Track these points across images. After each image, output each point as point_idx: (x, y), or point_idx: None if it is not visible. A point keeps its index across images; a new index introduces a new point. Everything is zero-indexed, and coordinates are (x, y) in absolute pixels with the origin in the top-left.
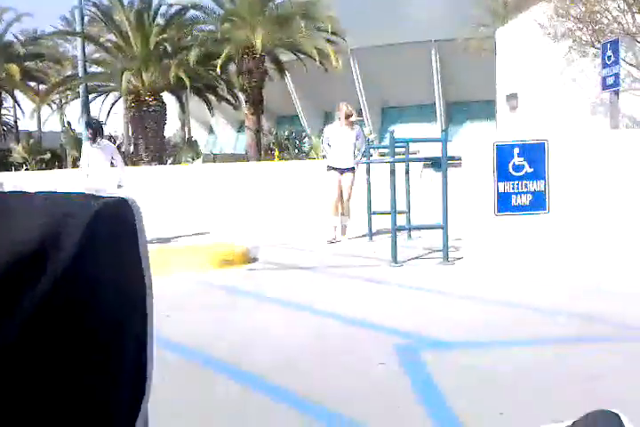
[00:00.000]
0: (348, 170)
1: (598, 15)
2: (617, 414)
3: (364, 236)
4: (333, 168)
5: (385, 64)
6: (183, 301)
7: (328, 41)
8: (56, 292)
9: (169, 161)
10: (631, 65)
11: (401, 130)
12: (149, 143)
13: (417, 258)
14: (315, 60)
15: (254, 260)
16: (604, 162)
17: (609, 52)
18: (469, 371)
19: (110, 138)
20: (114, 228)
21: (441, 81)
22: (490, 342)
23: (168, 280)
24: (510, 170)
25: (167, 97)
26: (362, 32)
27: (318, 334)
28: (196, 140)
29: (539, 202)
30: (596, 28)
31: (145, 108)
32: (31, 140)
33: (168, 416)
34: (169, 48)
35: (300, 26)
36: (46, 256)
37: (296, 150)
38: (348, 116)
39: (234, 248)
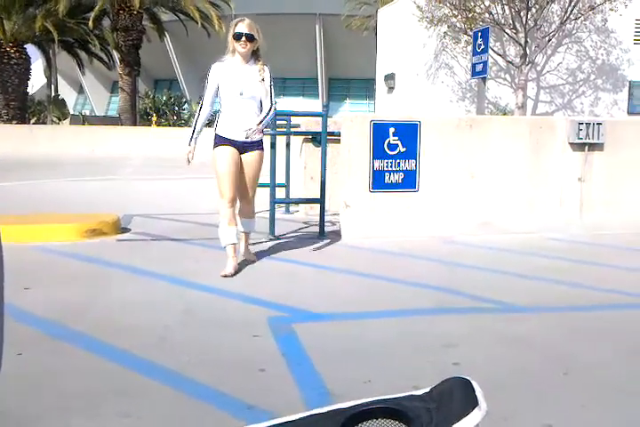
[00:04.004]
0: (252, 146)
1: (472, 3)
2: (469, 381)
3: None
4: (227, 140)
5: (269, 34)
6: (43, 272)
7: (211, 4)
8: None
9: (32, 120)
10: (498, 54)
11: (283, 102)
12: (10, 99)
13: (294, 231)
14: (196, 22)
15: (125, 230)
16: (468, 144)
17: (479, 41)
18: (339, 342)
19: None
20: None
21: (324, 56)
22: (359, 314)
23: (26, 249)
24: (385, 148)
25: (32, 50)
26: None
27: (190, 308)
28: (63, 99)
29: (410, 181)
30: (470, 16)
31: (6, 61)
32: None
33: (25, 393)
34: None
35: None
36: None
37: (174, 117)
38: (238, 37)
39: (102, 217)
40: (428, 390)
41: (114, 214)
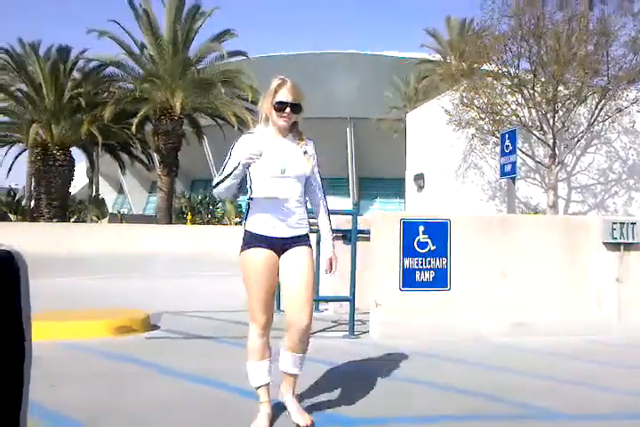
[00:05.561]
0: (296, 241)
1: (499, 107)
2: None
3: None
4: (262, 238)
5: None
6: (71, 370)
7: (247, 109)
8: None
9: (72, 219)
10: (527, 155)
11: None
12: (52, 199)
13: (323, 330)
14: (233, 126)
15: (155, 327)
16: (500, 242)
17: (507, 142)
18: None
19: (10, 191)
20: None
21: (355, 157)
22: (389, 419)
23: (54, 346)
24: (415, 246)
25: (76, 152)
26: None
27: (220, 410)
28: (103, 199)
29: (441, 279)
30: (497, 118)
31: (51, 163)
32: None
33: None
34: (83, 102)
35: (221, 92)
36: None
37: (209, 215)
38: (281, 107)
39: (132, 314)
40: None
41: (143, 311)
